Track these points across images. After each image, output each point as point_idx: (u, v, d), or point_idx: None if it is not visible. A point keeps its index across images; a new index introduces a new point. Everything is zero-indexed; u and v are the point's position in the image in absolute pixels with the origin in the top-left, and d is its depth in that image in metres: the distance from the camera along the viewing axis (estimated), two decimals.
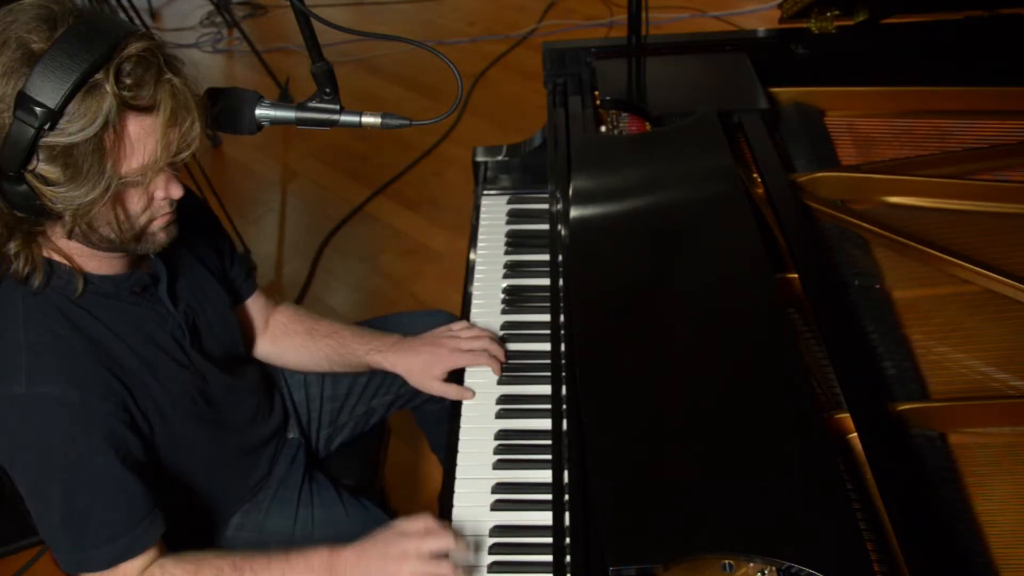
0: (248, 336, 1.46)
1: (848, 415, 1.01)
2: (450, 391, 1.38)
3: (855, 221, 1.30)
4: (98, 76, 0.91)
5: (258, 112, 1.11)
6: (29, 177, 0.93)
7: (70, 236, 1.02)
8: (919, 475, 0.99)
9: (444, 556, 1.12)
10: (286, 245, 3.00)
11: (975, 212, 1.30)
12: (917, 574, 0.84)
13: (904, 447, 1.02)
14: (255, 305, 1.46)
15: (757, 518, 0.89)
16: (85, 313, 1.09)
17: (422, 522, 1.14)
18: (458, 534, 1.14)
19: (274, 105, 1.11)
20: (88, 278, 1.09)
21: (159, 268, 1.17)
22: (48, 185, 0.94)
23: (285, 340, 1.49)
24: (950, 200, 1.32)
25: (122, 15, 3.03)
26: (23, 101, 0.90)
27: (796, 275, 1.19)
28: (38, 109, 0.90)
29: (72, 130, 0.91)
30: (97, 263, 1.09)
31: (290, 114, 1.12)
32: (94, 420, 1.06)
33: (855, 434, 1.00)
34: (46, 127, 0.90)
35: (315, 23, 1.08)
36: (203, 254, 1.30)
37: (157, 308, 1.17)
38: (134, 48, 0.94)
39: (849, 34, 1.65)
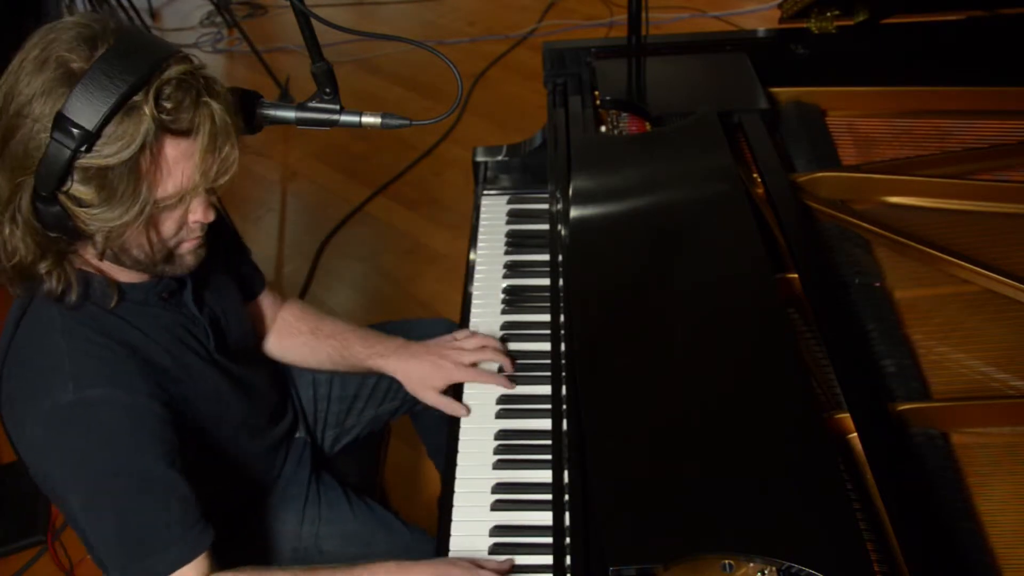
0: (258, 333, 1.46)
1: (848, 415, 1.01)
2: (444, 405, 1.36)
3: (855, 221, 1.30)
4: (137, 98, 0.91)
5: (258, 112, 1.11)
6: (63, 198, 0.93)
7: (101, 257, 1.02)
8: (919, 475, 0.99)
9: None
10: (286, 245, 3.00)
11: (975, 212, 1.30)
12: (917, 574, 0.84)
13: (904, 447, 1.02)
14: (264, 302, 1.46)
15: (757, 518, 0.89)
16: (119, 320, 1.09)
17: (494, 562, 1.13)
18: None
19: (274, 105, 1.11)
20: (120, 287, 1.09)
21: (184, 274, 1.17)
22: (82, 206, 0.94)
23: (290, 338, 1.48)
24: (950, 200, 1.32)
25: (122, 15, 3.03)
26: (61, 122, 0.89)
27: (796, 275, 1.19)
28: (75, 130, 0.89)
29: (108, 152, 0.91)
30: (128, 274, 1.09)
31: (290, 114, 1.12)
32: (143, 420, 1.05)
33: (855, 434, 1.00)
34: (82, 149, 0.90)
35: (315, 23, 1.08)
36: (220, 256, 1.30)
37: (183, 312, 1.18)
38: (174, 71, 0.93)
39: (849, 34, 1.65)
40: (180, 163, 0.97)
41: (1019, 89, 1.46)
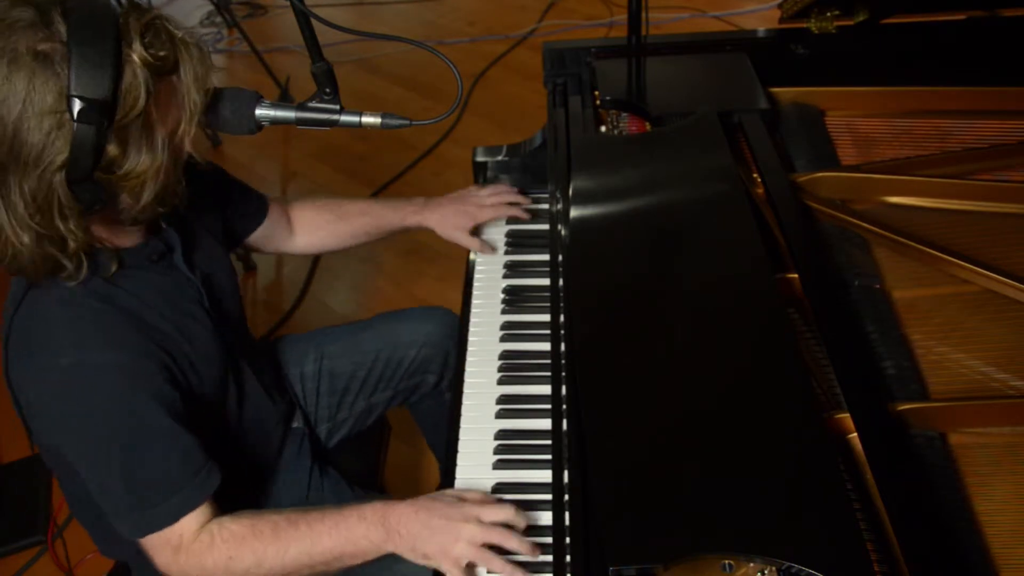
0: (279, 240, 1.56)
1: (848, 415, 1.01)
2: (472, 242, 1.59)
3: (855, 221, 1.30)
4: (124, 54, 0.93)
5: (258, 112, 1.11)
6: (98, 173, 0.95)
7: (136, 217, 1.05)
8: (919, 475, 0.99)
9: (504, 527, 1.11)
10: None
11: (975, 212, 1.30)
12: (917, 574, 0.84)
13: (904, 447, 1.02)
14: (275, 212, 1.52)
15: (757, 518, 0.89)
16: (113, 287, 1.10)
17: (479, 494, 1.16)
18: (518, 509, 1.13)
19: (274, 105, 1.12)
20: (119, 254, 1.11)
21: (172, 236, 1.19)
22: (111, 172, 0.96)
23: (320, 231, 1.60)
24: (950, 200, 1.32)
25: None
26: (73, 104, 0.90)
27: (796, 275, 1.19)
28: (92, 106, 0.90)
29: (123, 112, 0.93)
30: (126, 238, 1.12)
31: (290, 114, 1.12)
32: (141, 380, 1.08)
33: (855, 434, 1.00)
34: (106, 119, 0.91)
35: (315, 23, 1.08)
36: (208, 220, 1.32)
37: (175, 274, 1.19)
38: (142, 18, 0.96)
39: (849, 34, 1.65)
40: (175, 98, 1.01)
41: (1019, 89, 1.46)
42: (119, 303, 1.10)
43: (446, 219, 1.60)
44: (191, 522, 1.11)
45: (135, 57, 0.93)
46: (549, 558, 1.06)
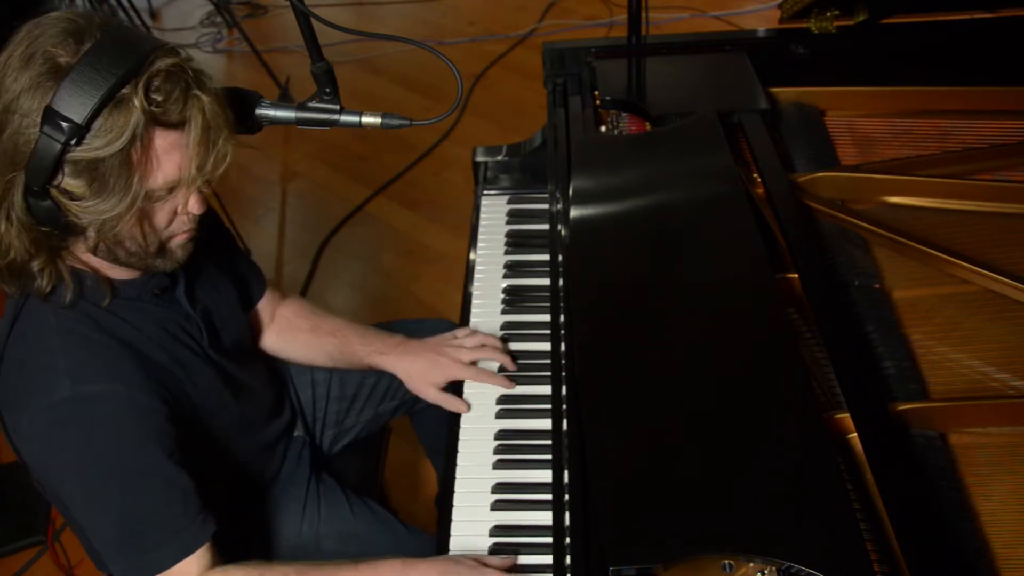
0: (255, 329, 1.47)
1: (848, 415, 1.01)
2: (444, 401, 1.37)
3: (855, 221, 1.30)
4: (126, 91, 0.91)
5: (258, 112, 1.11)
6: (55, 192, 0.93)
7: (95, 252, 1.03)
8: (919, 475, 0.99)
9: None
10: (286, 245, 3.00)
11: (975, 212, 1.30)
12: (917, 574, 0.84)
13: (904, 447, 1.02)
14: (264, 300, 1.47)
15: (757, 518, 0.89)
16: (112, 317, 1.09)
17: (499, 559, 1.13)
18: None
19: (274, 105, 1.12)
20: (112, 284, 1.09)
21: (177, 270, 1.17)
22: (73, 200, 0.94)
23: (289, 335, 1.49)
24: (950, 200, 1.32)
25: (122, 15, 3.04)
26: (50, 116, 0.90)
27: (796, 275, 1.19)
28: (64, 124, 0.89)
29: (98, 144, 0.91)
30: (119, 271, 1.10)
31: (290, 114, 1.12)
32: (141, 414, 1.06)
33: (855, 434, 1.00)
34: (72, 142, 0.90)
35: (315, 23, 1.08)
36: (213, 253, 1.31)
37: (176, 308, 1.18)
38: (163, 63, 0.94)
39: (849, 34, 1.65)
40: (170, 154, 0.97)
41: (1019, 89, 1.46)
42: (119, 334, 1.08)
43: (415, 371, 1.40)
44: (191, 566, 1.08)
45: (135, 99, 0.91)
46: (549, 558, 1.06)
